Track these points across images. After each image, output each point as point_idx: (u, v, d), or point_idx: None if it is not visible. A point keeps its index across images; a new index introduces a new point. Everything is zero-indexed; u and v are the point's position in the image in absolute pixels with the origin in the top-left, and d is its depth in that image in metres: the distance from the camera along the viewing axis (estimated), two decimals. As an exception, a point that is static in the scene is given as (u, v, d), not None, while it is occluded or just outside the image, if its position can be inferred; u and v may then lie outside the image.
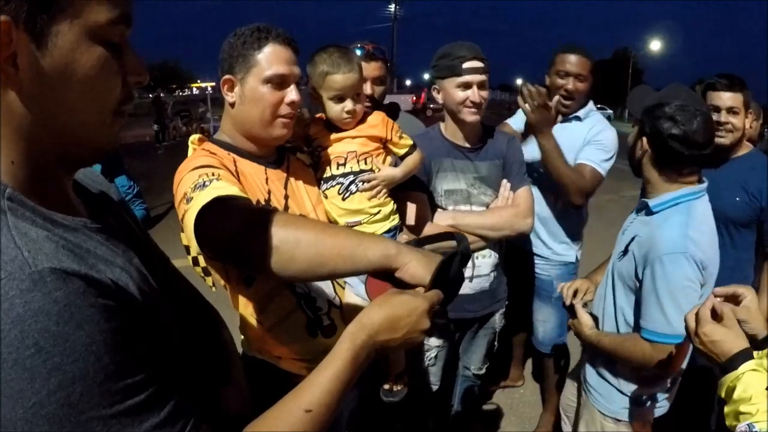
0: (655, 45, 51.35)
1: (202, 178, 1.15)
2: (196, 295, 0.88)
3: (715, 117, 2.07)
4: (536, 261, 2.66)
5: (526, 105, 2.20)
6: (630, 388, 1.71)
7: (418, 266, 0.93)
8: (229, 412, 0.80)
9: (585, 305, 1.85)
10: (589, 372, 1.84)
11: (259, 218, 1.02)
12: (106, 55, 0.62)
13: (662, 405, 1.74)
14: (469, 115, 1.94)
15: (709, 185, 1.67)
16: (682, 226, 1.52)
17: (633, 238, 1.65)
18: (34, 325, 0.50)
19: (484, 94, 1.94)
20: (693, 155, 1.54)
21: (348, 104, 1.52)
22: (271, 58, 1.30)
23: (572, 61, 2.45)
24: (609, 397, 1.76)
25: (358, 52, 1.95)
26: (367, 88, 1.97)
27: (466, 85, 1.91)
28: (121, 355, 0.56)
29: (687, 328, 1.26)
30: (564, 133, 2.46)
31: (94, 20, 0.59)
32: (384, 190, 1.59)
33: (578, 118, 2.54)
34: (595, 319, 1.78)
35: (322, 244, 0.98)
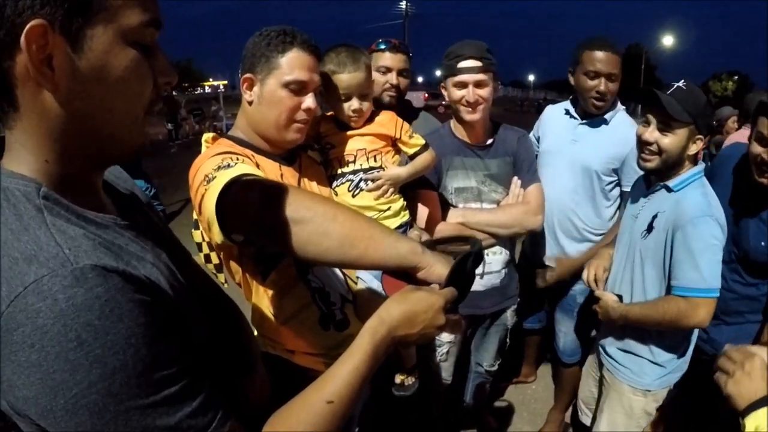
0: (668, 40, 50.67)
1: (226, 160, 1.13)
2: (218, 290, 0.91)
3: (758, 150, 1.78)
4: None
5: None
6: (661, 357, 1.86)
7: (442, 268, 0.94)
8: (251, 403, 0.83)
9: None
10: (615, 352, 1.96)
11: (292, 189, 0.99)
12: (139, 57, 0.63)
13: (681, 368, 1.91)
14: (466, 114, 1.95)
15: (736, 224, 1.84)
16: (704, 195, 1.74)
17: (655, 216, 1.80)
18: (77, 319, 0.53)
19: (483, 92, 1.92)
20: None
21: (354, 103, 1.54)
22: (293, 63, 1.32)
23: (602, 59, 2.22)
24: (640, 370, 1.88)
25: (383, 46, 2.06)
26: (393, 79, 2.08)
27: (462, 84, 1.92)
28: (157, 348, 0.58)
29: (720, 368, 1.18)
30: (591, 140, 2.33)
31: (127, 23, 0.61)
32: (390, 189, 1.61)
33: (605, 121, 2.34)
34: (619, 297, 1.89)
35: (358, 224, 0.96)
